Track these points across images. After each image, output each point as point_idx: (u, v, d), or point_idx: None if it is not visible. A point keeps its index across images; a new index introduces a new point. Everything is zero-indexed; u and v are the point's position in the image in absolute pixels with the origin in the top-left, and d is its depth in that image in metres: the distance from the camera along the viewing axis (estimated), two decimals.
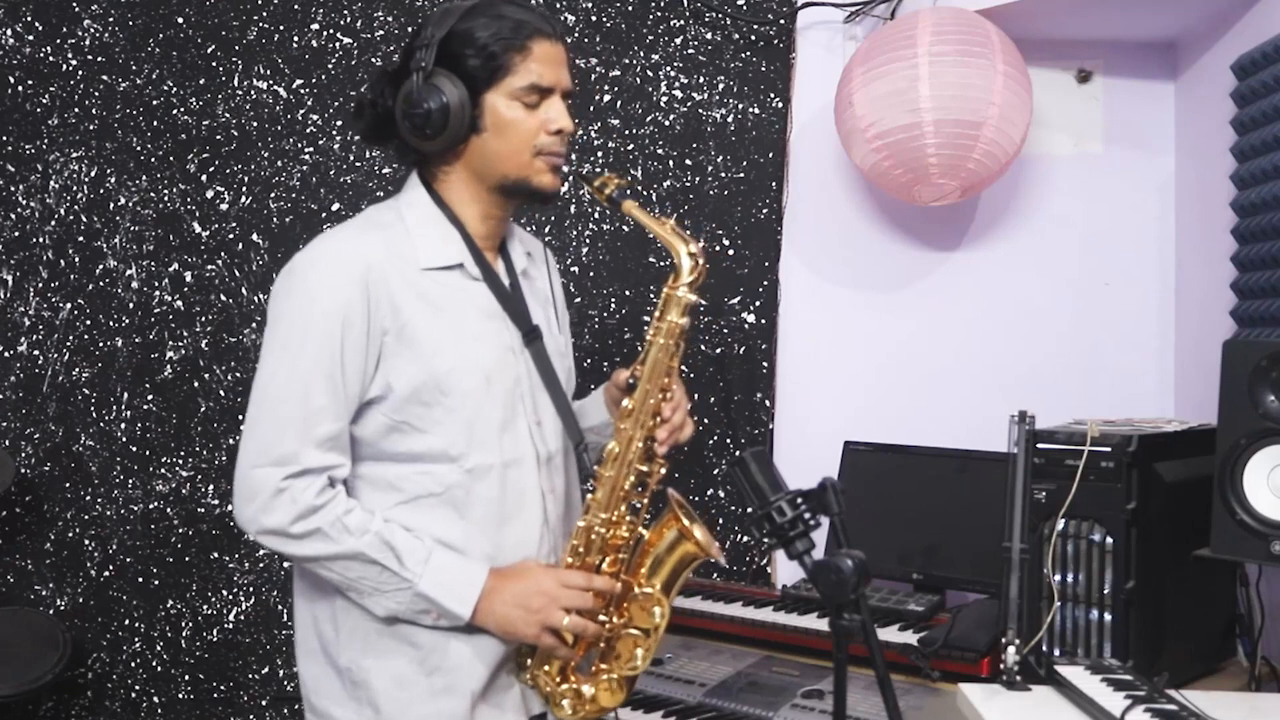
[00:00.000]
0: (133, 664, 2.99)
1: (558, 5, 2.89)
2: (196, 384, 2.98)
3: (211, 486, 2.97)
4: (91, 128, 3.00)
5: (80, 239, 3.00)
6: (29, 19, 3.01)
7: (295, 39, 2.96)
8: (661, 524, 1.71)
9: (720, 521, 2.84)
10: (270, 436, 1.59)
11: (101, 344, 2.99)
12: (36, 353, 3.00)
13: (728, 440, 2.83)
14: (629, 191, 1.72)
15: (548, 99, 1.66)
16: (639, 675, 1.73)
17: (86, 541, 2.99)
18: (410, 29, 2.92)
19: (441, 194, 1.72)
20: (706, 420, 2.82)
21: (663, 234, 1.69)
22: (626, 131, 2.86)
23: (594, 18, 2.88)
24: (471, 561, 1.65)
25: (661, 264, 2.84)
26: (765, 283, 2.83)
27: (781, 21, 2.84)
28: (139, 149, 2.99)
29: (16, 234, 3.00)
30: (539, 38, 1.65)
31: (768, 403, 2.84)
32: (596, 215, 2.87)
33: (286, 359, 1.60)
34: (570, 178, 1.78)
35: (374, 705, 1.64)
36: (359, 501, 1.64)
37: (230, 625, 2.97)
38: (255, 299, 2.97)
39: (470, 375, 1.65)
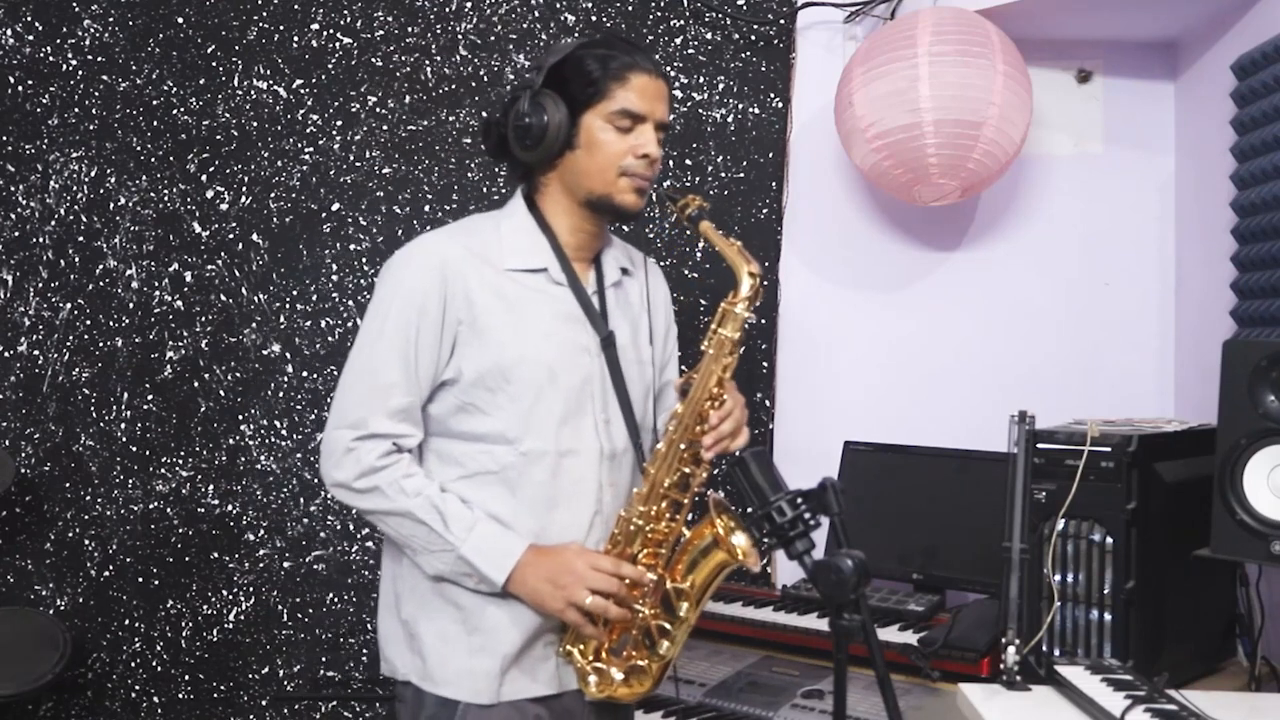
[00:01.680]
0: (133, 664, 2.99)
1: (558, 5, 2.89)
2: (196, 384, 2.98)
3: (211, 486, 2.97)
4: (91, 128, 3.00)
5: (80, 239, 3.00)
6: (29, 19, 3.01)
7: (295, 39, 2.96)
8: (702, 525, 1.78)
9: None
10: (347, 403, 1.79)
11: (101, 344, 2.99)
12: (36, 353, 3.00)
13: None
14: (707, 213, 1.85)
15: (640, 125, 1.82)
16: (668, 668, 1.81)
17: (86, 541, 2.99)
18: (410, 29, 2.94)
19: (540, 206, 1.88)
20: None
21: (730, 254, 1.82)
22: None
23: (594, 18, 2.88)
24: (514, 535, 1.78)
25: (661, 263, 2.84)
26: (765, 283, 2.82)
27: (781, 21, 2.84)
28: (139, 149, 2.99)
29: (16, 234, 3.00)
30: (639, 71, 1.82)
31: (768, 403, 2.84)
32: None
33: (369, 339, 1.80)
34: (653, 195, 1.87)
35: (423, 656, 1.81)
36: (427, 471, 1.82)
37: (230, 625, 2.97)
38: (255, 299, 2.97)
39: (533, 367, 1.79)
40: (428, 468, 1.83)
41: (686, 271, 2.86)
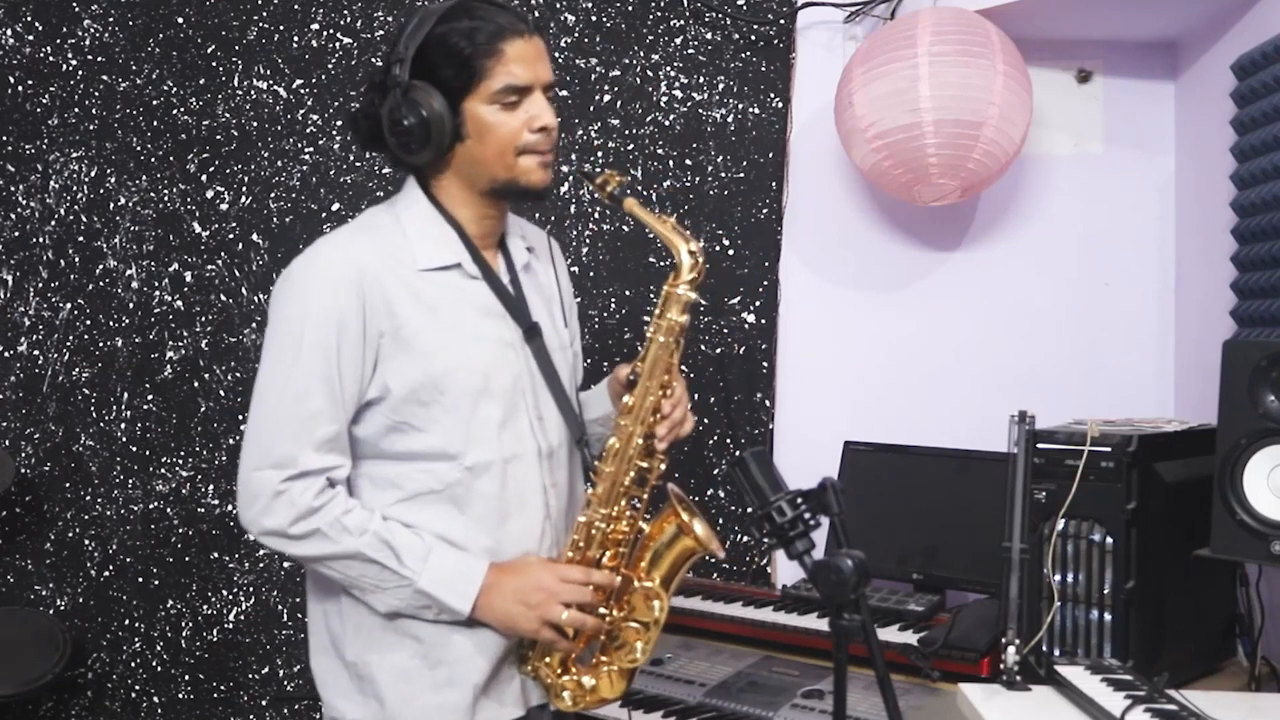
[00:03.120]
0: (133, 664, 2.99)
1: (558, 5, 2.89)
2: (196, 384, 2.98)
3: (211, 486, 2.97)
4: (91, 128, 3.00)
5: (80, 239, 3.00)
6: (29, 19, 3.01)
7: (295, 39, 2.96)
8: (662, 519, 1.72)
9: (720, 521, 2.83)
10: (269, 440, 1.62)
11: (101, 344, 2.99)
12: (36, 353, 3.00)
13: (728, 440, 2.83)
14: (630, 189, 1.73)
15: (527, 97, 1.66)
16: (639, 667, 1.75)
17: (86, 541, 2.99)
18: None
19: (438, 197, 1.73)
20: (706, 420, 2.82)
21: (663, 231, 1.71)
22: (626, 131, 2.86)
23: (594, 18, 2.88)
24: (471, 557, 1.67)
25: (661, 263, 2.84)
26: (765, 283, 2.83)
27: (781, 21, 2.84)
28: (139, 149, 2.99)
29: (16, 234, 3.00)
30: (511, 37, 1.64)
31: (768, 403, 2.84)
32: (596, 215, 2.87)
33: (283, 364, 1.63)
34: (571, 175, 1.79)
35: (379, 698, 1.67)
36: (360, 499, 1.67)
37: (230, 625, 2.97)
38: (255, 299, 2.97)
39: (467, 374, 1.67)
40: (361, 495, 1.68)
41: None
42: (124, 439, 2.99)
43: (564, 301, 1.89)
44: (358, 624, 1.68)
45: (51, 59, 3.01)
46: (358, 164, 2.95)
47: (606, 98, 2.87)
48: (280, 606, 2.95)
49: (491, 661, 1.69)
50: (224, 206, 2.98)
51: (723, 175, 2.86)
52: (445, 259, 1.70)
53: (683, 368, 1.95)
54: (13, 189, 3.01)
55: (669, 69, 2.86)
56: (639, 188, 2.82)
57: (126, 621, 2.98)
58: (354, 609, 1.68)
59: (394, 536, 1.63)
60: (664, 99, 2.86)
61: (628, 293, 2.86)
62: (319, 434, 1.62)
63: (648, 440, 1.73)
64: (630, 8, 2.87)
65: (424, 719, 1.67)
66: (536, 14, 2.91)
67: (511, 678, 1.74)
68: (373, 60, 2.94)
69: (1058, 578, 1.95)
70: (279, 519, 1.60)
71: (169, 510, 2.98)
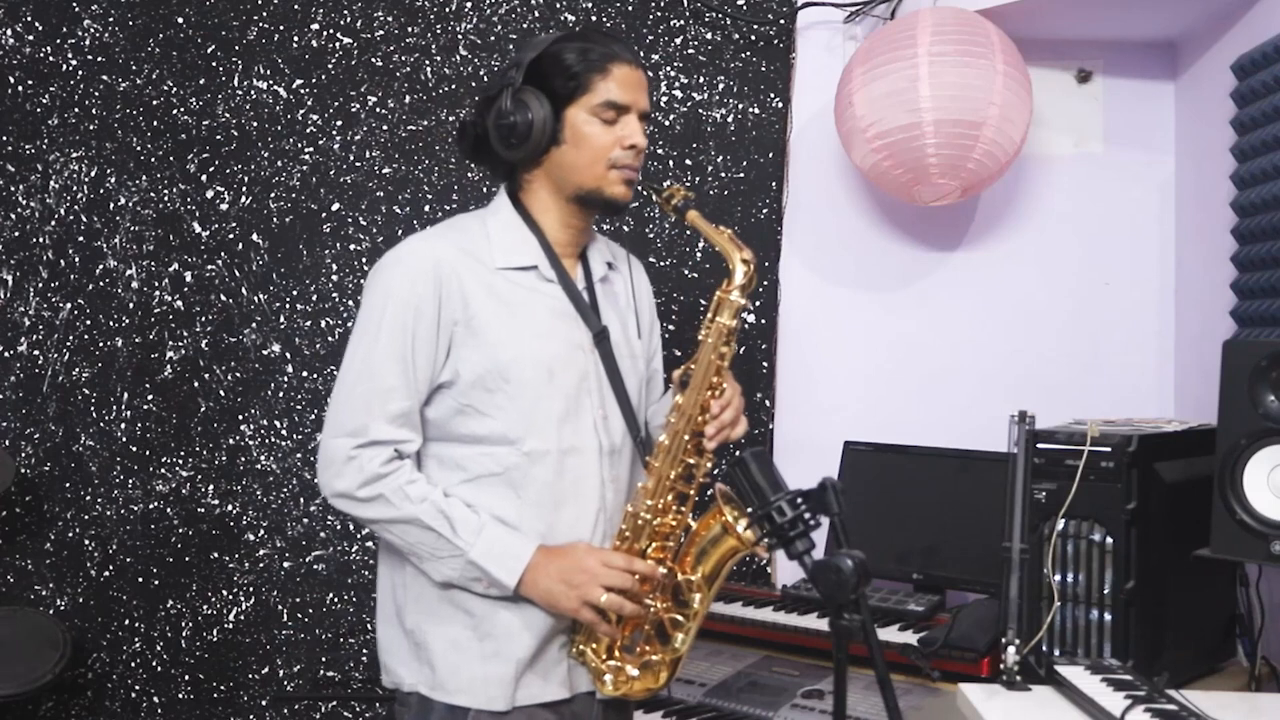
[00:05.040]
0: (133, 664, 2.99)
1: (558, 5, 2.89)
2: (196, 384, 2.98)
3: (211, 486, 2.97)
4: (91, 128, 3.00)
5: (80, 239, 3.00)
6: (29, 19, 3.01)
7: (295, 39, 2.96)
8: (708, 516, 1.78)
9: None
10: (345, 410, 1.76)
11: (101, 344, 2.99)
12: (36, 353, 3.00)
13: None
14: (693, 202, 1.85)
15: (624, 116, 1.80)
16: (682, 659, 1.81)
17: (86, 541, 2.99)
18: (410, 29, 2.94)
19: (525, 203, 1.87)
20: None
21: (721, 242, 1.82)
22: None
23: (594, 18, 2.88)
24: (522, 537, 1.76)
25: (662, 263, 2.85)
26: (765, 283, 2.83)
27: (781, 21, 2.84)
28: (139, 149, 2.99)
29: (16, 234, 3.00)
30: (619, 62, 1.79)
31: (768, 403, 2.84)
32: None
33: (364, 343, 1.77)
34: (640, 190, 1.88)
35: (431, 665, 1.78)
36: (428, 478, 1.79)
37: (230, 625, 2.97)
38: (255, 299, 2.97)
39: (532, 366, 1.78)
40: (428, 473, 1.80)
41: (686, 271, 2.86)
42: (124, 439, 2.99)
43: (639, 317, 1.97)
44: (418, 594, 1.79)
45: (51, 59, 3.01)
46: (358, 164, 2.95)
47: None
48: (280, 606, 2.95)
49: (538, 638, 1.77)
50: (224, 206, 2.98)
51: (723, 175, 2.86)
52: (523, 260, 1.83)
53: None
54: (13, 189, 3.01)
55: (669, 69, 2.86)
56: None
57: (126, 621, 2.98)
58: (416, 580, 1.79)
59: (451, 509, 1.74)
60: (664, 99, 2.86)
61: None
62: (391, 408, 1.74)
63: (696, 438, 1.81)
64: (630, 8, 2.87)
65: (470, 688, 1.76)
66: (537, 14, 2.92)
67: (560, 660, 1.81)
68: (373, 60, 2.94)
69: (1058, 578, 1.95)
70: (348, 482, 1.73)
71: (169, 510, 2.98)
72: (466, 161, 2.91)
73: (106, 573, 2.99)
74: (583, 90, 1.77)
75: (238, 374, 2.97)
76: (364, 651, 2.93)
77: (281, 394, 2.96)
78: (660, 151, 2.86)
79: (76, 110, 3.00)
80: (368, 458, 1.73)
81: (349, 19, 2.95)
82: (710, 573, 1.78)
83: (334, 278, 2.95)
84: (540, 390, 1.78)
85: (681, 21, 2.87)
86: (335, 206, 2.96)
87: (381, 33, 2.95)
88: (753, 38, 2.85)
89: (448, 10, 2.94)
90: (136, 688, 2.99)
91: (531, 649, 1.77)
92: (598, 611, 1.74)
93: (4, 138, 3.00)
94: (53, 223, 3.00)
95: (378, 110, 2.95)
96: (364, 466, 1.73)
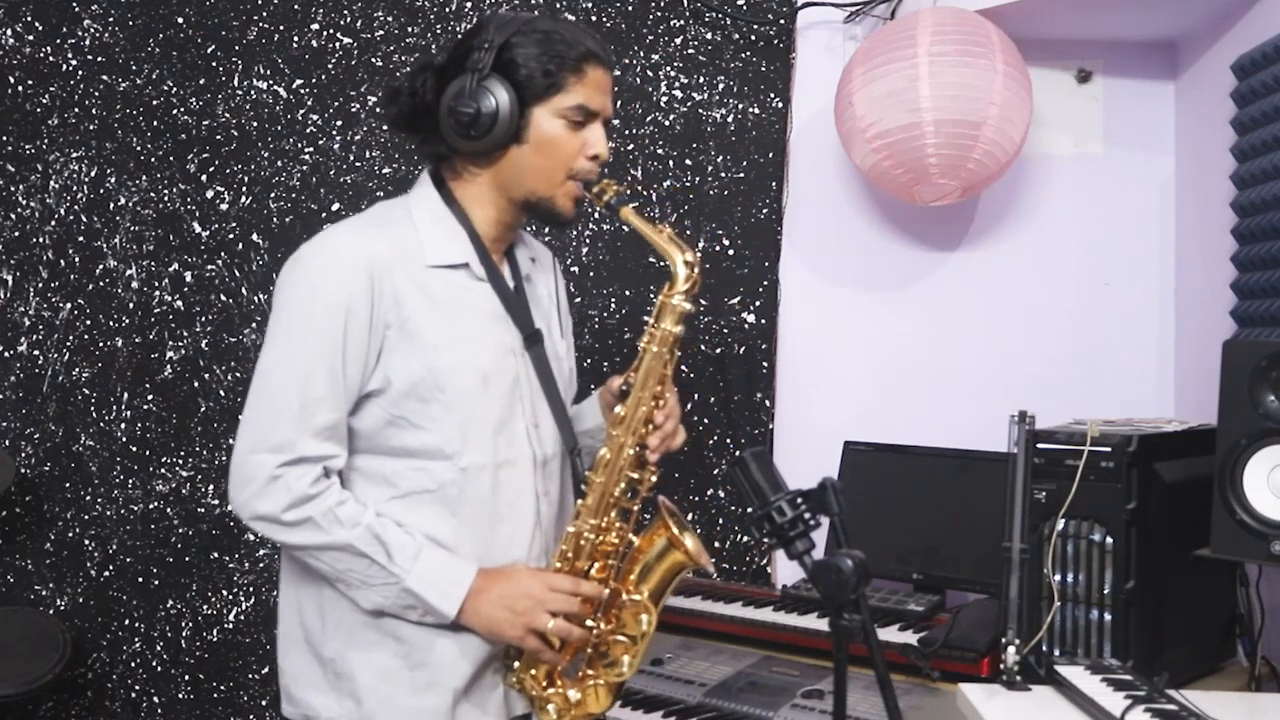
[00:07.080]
0: (133, 664, 2.99)
1: (558, 5, 2.89)
2: (196, 384, 2.98)
3: (211, 486, 2.97)
4: (91, 128, 3.00)
5: (80, 239, 3.00)
6: (29, 19, 3.01)
7: (295, 39, 2.96)
8: (652, 531, 1.71)
9: (720, 521, 2.84)
10: (268, 423, 1.60)
11: (101, 344, 2.99)
12: (36, 353, 3.00)
13: (728, 440, 2.83)
14: (626, 198, 1.72)
15: (591, 123, 1.69)
16: (625, 682, 1.73)
17: (86, 541, 2.99)
18: (410, 29, 2.93)
19: (455, 193, 1.73)
20: (706, 420, 2.82)
21: (659, 241, 1.70)
22: (626, 131, 2.86)
23: (594, 18, 2.88)
24: (460, 560, 1.65)
25: (662, 264, 2.83)
26: (765, 283, 2.83)
27: (781, 21, 2.84)
28: (139, 149, 2.99)
29: (16, 234, 3.00)
30: (595, 63, 1.67)
31: (768, 403, 2.84)
32: (596, 215, 2.87)
33: (289, 348, 1.61)
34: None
35: (355, 697, 1.65)
36: (353, 494, 1.65)
37: (230, 625, 2.97)
38: (255, 299, 2.97)
39: (467, 374, 1.66)
40: (353, 490, 1.65)
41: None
42: (124, 439, 2.98)
43: (561, 316, 1.89)
44: (339, 620, 1.66)
45: (51, 59, 3.01)
46: (358, 164, 2.95)
47: None
48: None
49: (474, 666, 1.68)
50: (224, 206, 2.98)
51: (723, 175, 2.86)
52: (454, 257, 1.69)
53: (683, 368, 1.95)
54: (13, 189, 3.01)
55: (669, 69, 2.86)
56: (639, 194, 2.81)
57: (126, 621, 2.98)
58: (335, 604, 1.66)
59: (386, 532, 1.61)
60: (664, 99, 2.86)
61: (627, 293, 2.86)
62: (319, 420, 1.59)
63: (639, 451, 1.71)
64: (630, 8, 2.87)
65: None
66: (536, 13, 2.91)
67: (495, 685, 1.72)
68: (373, 60, 2.94)
69: (1058, 578, 1.95)
70: (273, 504, 1.58)
71: (169, 510, 2.98)
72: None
73: (106, 573, 2.99)
74: (555, 90, 1.64)
75: (238, 374, 2.97)
76: None
77: None
78: (660, 151, 2.86)
79: (76, 110, 3.00)
80: (294, 477, 1.57)
81: (349, 19, 2.95)
82: (655, 590, 1.70)
83: None
84: (476, 400, 1.65)
85: (681, 21, 2.87)
86: (335, 206, 2.96)
87: (381, 33, 2.95)
88: (753, 38, 2.85)
89: (448, 10, 2.94)
90: (136, 688, 2.99)
91: (468, 677, 1.66)
92: (542, 638, 1.65)
93: (4, 138, 3.00)
94: (53, 223, 3.00)
95: (378, 110, 2.94)
96: (291, 486, 1.57)
